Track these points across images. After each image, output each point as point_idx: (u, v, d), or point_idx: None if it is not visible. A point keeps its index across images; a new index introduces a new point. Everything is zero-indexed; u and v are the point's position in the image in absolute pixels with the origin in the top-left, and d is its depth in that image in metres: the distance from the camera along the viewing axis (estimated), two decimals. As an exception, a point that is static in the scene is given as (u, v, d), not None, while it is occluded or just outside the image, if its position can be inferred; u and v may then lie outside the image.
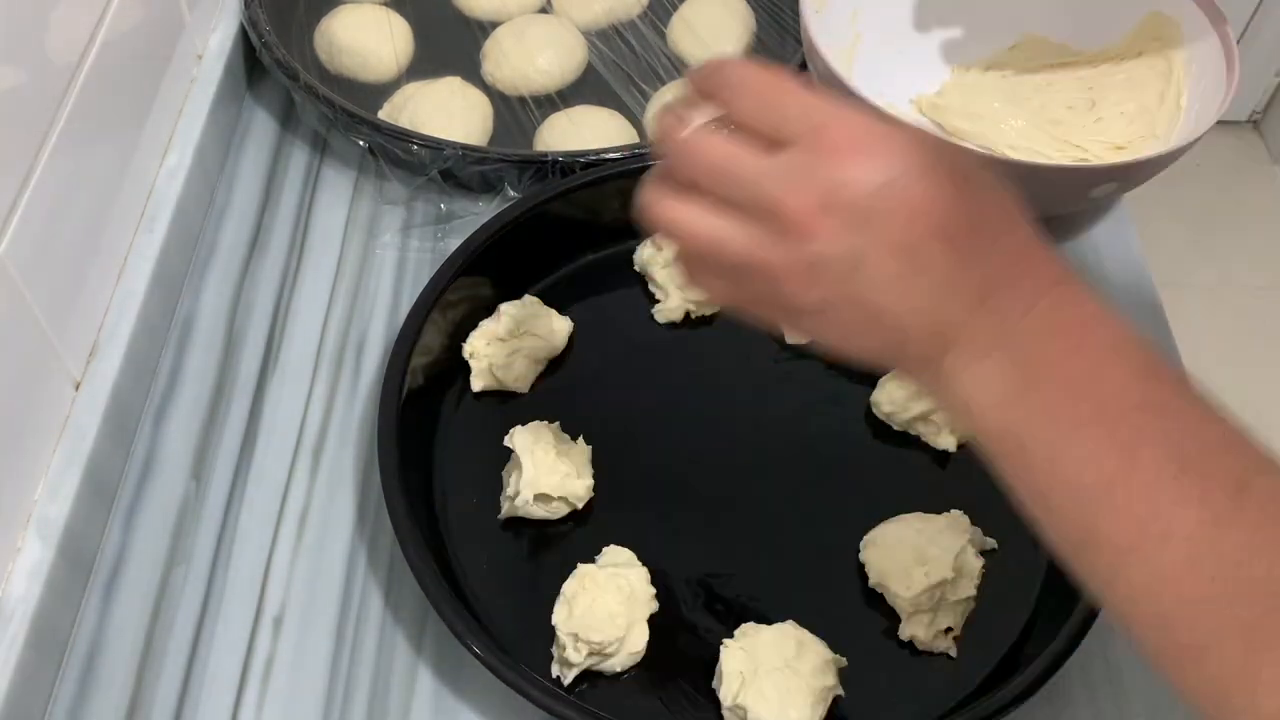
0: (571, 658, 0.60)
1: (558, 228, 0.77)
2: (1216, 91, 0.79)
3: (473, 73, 0.89)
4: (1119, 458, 0.41)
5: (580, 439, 0.68)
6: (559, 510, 0.67)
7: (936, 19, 0.88)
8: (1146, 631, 0.41)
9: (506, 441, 0.68)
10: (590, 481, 0.67)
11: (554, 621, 0.61)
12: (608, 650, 0.61)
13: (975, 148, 0.71)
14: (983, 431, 0.45)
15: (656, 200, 0.48)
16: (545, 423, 0.68)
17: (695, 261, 0.49)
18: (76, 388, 0.68)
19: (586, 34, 0.92)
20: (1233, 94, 0.78)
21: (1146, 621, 0.41)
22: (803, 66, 0.86)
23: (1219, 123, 0.77)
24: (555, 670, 0.62)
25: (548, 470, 0.66)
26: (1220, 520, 0.39)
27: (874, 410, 0.72)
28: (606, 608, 0.61)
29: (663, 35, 0.92)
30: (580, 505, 0.67)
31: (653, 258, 0.77)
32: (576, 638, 0.60)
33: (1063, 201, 0.78)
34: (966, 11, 0.89)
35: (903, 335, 0.45)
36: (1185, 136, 0.77)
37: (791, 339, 0.76)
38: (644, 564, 0.64)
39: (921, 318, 0.45)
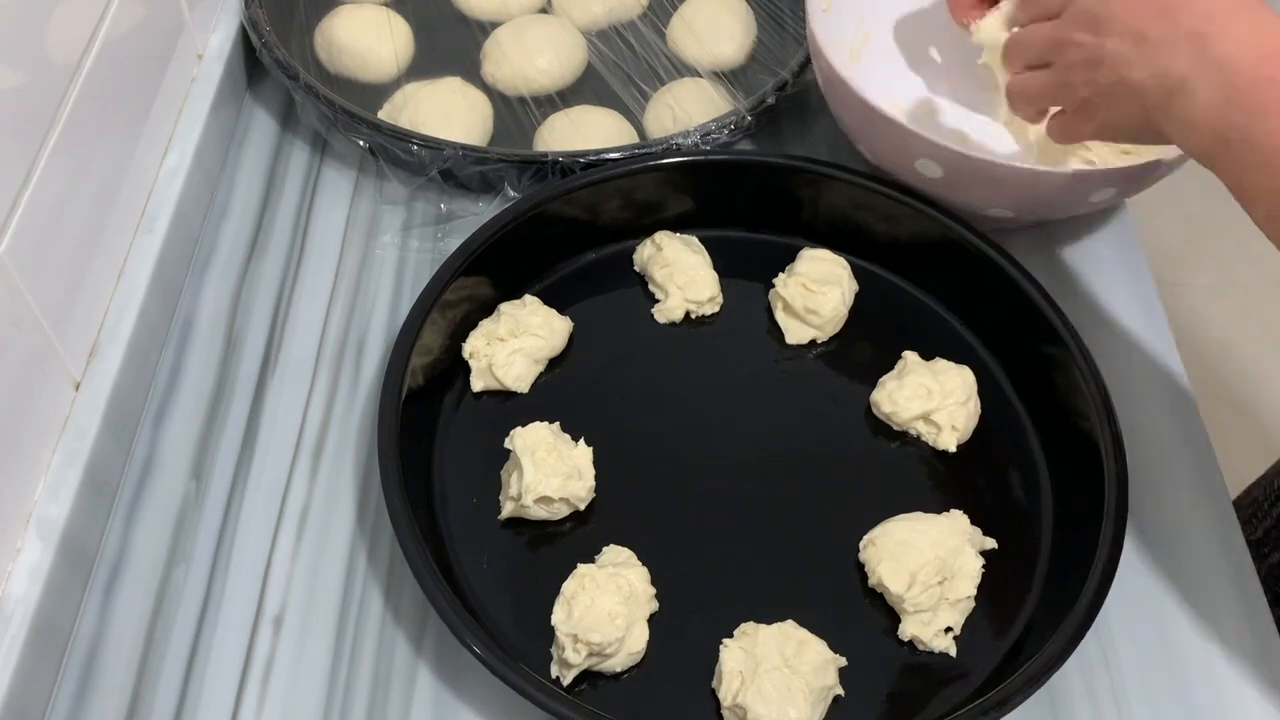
0: (571, 659, 0.60)
1: (558, 228, 0.77)
2: None
3: (473, 73, 0.89)
4: None
5: (581, 440, 0.68)
6: (560, 511, 0.67)
7: (944, 20, 0.88)
8: None
9: (507, 444, 0.68)
10: (592, 483, 0.67)
11: (553, 622, 0.61)
12: (607, 651, 0.61)
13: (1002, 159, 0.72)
14: (1202, 142, 0.57)
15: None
16: (545, 424, 0.68)
17: (1020, 52, 0.67)
18: (76, 388, 0.68)
19: (586, 34, 0.92)
20: None
21: None
22: (803, 67, 0.86)
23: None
24: (554, 671, 0.62)
25: (549, 472, 0.66)
26: None
27: (874, 410, 0.73)
28: (606, 608, 0.61)
29: (663, 35, 0.92)
30: (582, 507, 0.67)
31: (653, 257, 0.77)
32: (576, 639, 0.60)
33: (1062, 207, 0.79)
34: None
35: (1141, 90, 0.59)
36: None
37: (791, 339, 0.76)
38: (644, 563, 0.64)
39: (1149, 72, 0.58)
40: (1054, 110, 0.68)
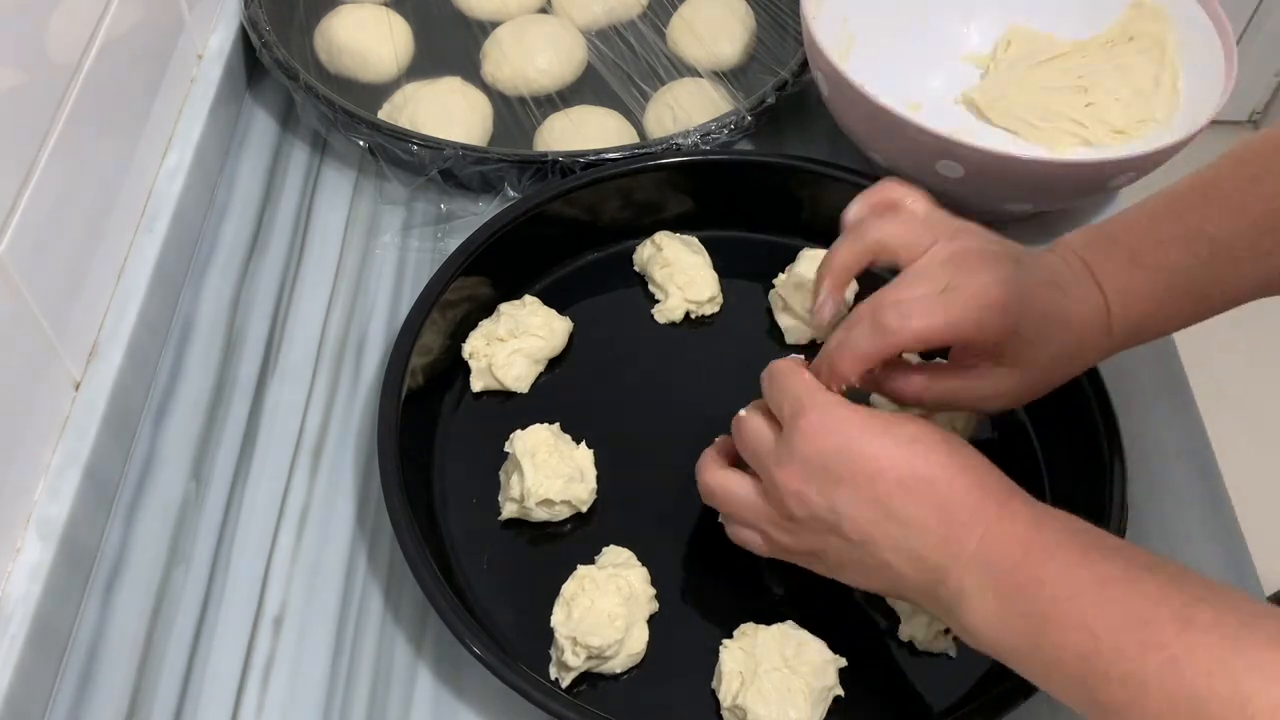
0: (570, 661, 0.60)
1: (558, 228, 0.77)
2: (1214, 71, 0.79)
3: (473, 73, 0.89)
4: (1082, 634, 0.48)
5: (583, 443, 0.68)
6: (562, 513, 0.67)
7: (926, 17, 0.88)
8: None
9: (507, 447, 0.68)
10: (594, 485, 0.67)
11: (553, 623, 0.61)
12: (606, 653, 0.61)
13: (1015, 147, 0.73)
14: (984, 646, 0.52)
15: (705, 467, 0.61)
16: (546, 425, 0.68)
17: (730, 516, 0.61)
18: (76, 388, 0.68)
19: (586, 34, 0.92)
20: (1235, 71, 0.78)
21: None
22: (803, 67, 0.86)
23: (1219, 123, 0.77)
24: (553, 673, 0.62)
25: (550, 474, 0.65)
26: (1177, 658, 0.45)
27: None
28: (605, 609, 0.61)
29: (663, 35, 0.92)
30: (584, 509, 0.67)
31: (653, 257, 0.77)
32: (575, 641, 0.60)
33: (1081, 195, 0.79)
34: (955, 8, 0.89)
35: (895, 573, 0.54)
36: (1190, 119, 0.77)
37: (791, 339, 0.76)
38: (643, 564, 0.64)
39: (904, 556, 0.54)
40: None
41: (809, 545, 0.57)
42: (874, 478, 0.54)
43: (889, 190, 0.64)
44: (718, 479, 0.60)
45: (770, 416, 0.58)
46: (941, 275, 0.59)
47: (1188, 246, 0.60)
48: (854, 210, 0.64)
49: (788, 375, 0.58)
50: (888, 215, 0.62)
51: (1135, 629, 0.46)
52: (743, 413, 0.60)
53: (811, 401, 0.56)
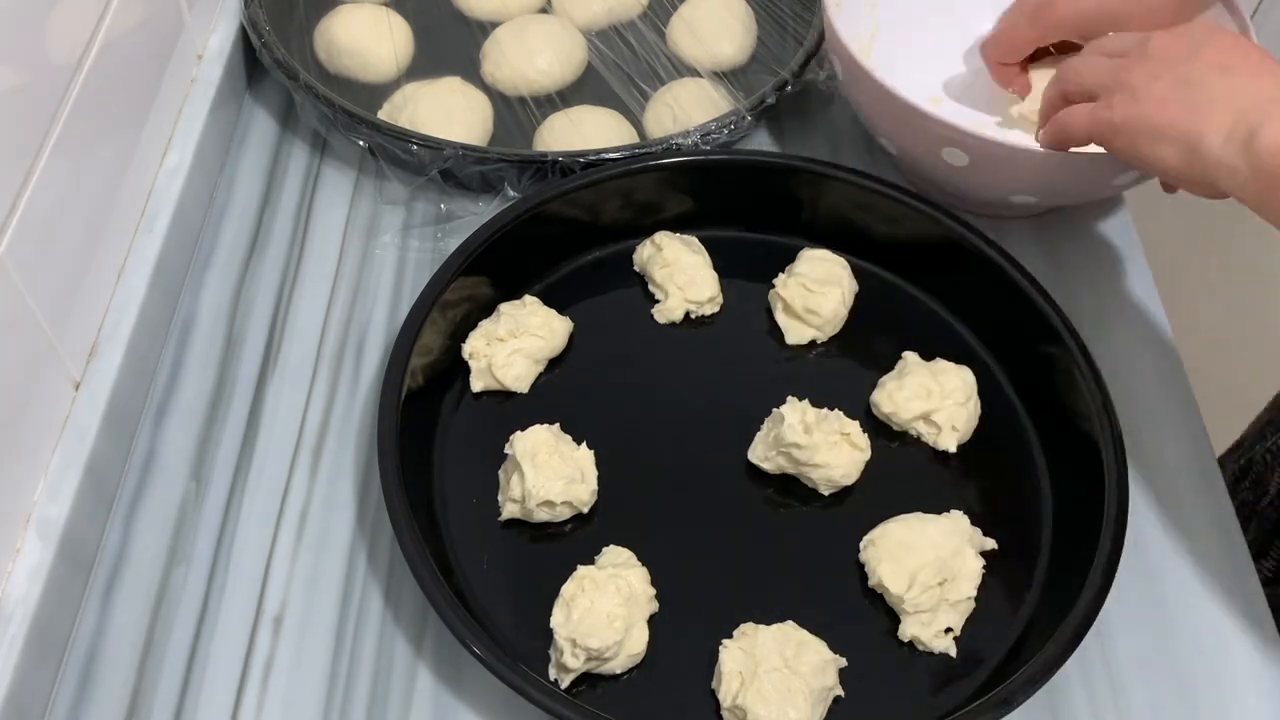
0: (569, 663, 0.60)
1: (558, 228, 0.77)
2: None
3: (473, 73, 0.89)
4: None
5: (583, 443, 0.68)
6: (563, 514, 0.67)
7: (952, 8, 0.88)
8: None
9: (507, 449, 0.68)
10: (594, 486, 0.67)
11: (552, 624, 0.61)
12: (606, 655, 0.60)
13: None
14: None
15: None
16: (546, 426, 0.68)
17: (1078, 81, 0.68)
18: (76, 388, 0.68)
19: (586, 34, 0.92)
20: None
21: None
22: (803, 68, 0.86)
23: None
24: (553, 674, 0.62)
25: (551, 476, 0.65)
26: None
27: (874, 410, 0.72)
28: (605, 610, 0.60)
29: (663, 35, 0.92)
30: (585, 510, 0.67)
31: (653, 257, 0.77)
32: (574, 643, 0.60)
33: (1086, 191, 0.79)
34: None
35: (1210, 113, 0.61)
36: None
37: (791, 339, 0.76)
38: (643, 564, 0.64)
39: (1235, 94, 0.60)
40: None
41: (1158, 72, 0.63)
42: (1233, 39, 0.63)
43: None
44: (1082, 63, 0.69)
45: None
46: None
47: None
48: None
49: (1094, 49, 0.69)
50: None
51: None
52: (1074, 60, 0.69)
53: (1136, 39, 0.66)
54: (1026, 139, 0.77)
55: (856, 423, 0.69)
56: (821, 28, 0.84)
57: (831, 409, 0.70)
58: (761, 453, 0.69)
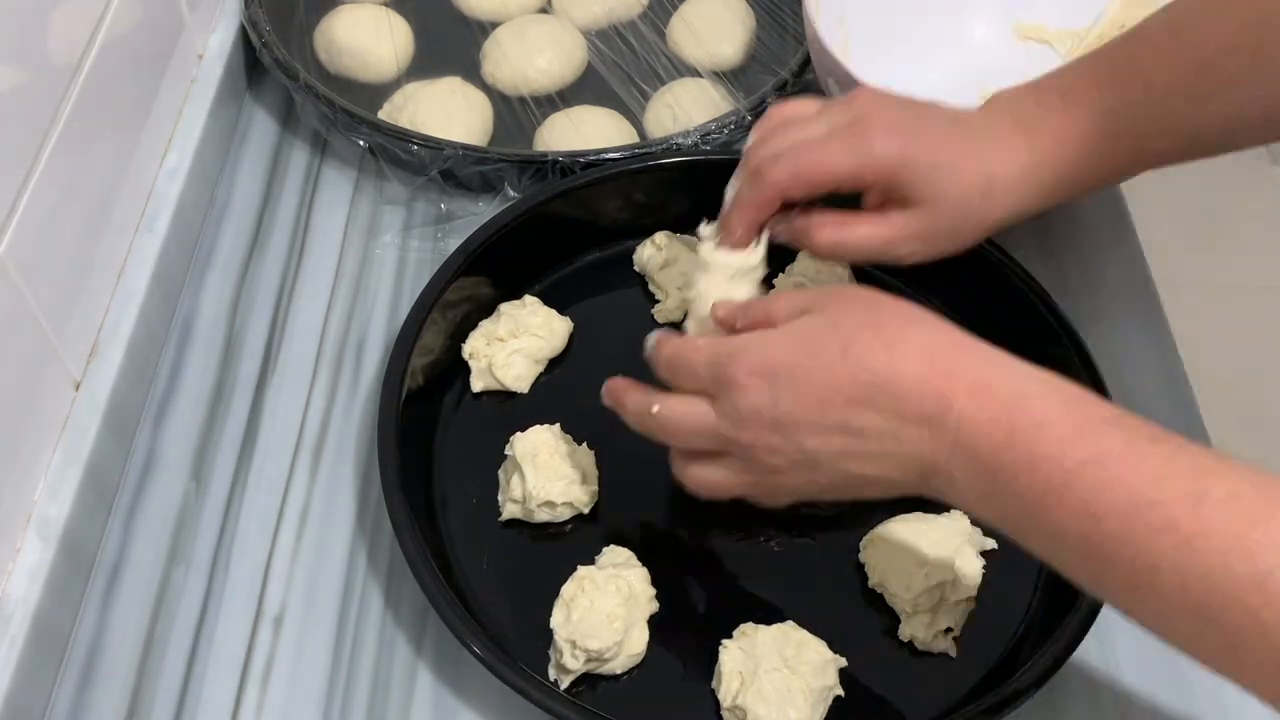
0: (569, 664, 0.60)
1: (558, 228, 0.77)
2: None
3: (473, 73, 0.89)
4: (1084, 519, 0.45)
5: (584, 444, 0.68)
6: (564, 514, 0.67)
7: (924, 15, 0.88)
8: (1194, 649, 0.44)
9: (507, 450, 0.68)
10: (595, 487, 0.67)
11: (552, 625, 0.61)
12: (605, 656, 0.60)
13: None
14: (986, 525, 0.51)
15: (680, 468, 0.59)
16: (546, 426, 0.68)
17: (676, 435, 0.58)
18: (76, 388, 0.68)
19: (586, 34, 0.92)
20: None
21: (1182, 639, 0.45)
22: (803, 68, 0.86)
23: (1219, 123, 0.77)
24: (552, 675, 0.62)
25: (552, 476, 0.65)
26: (1189, 538, 0.42)
27: (874, 410, 0.72)
28: (605, 610, 0.60)
29: (663, 35, 0.92)
30: (586, 510, 0.67)
31: (653, 257, 0.77)
32: (574, 644, 0.60)
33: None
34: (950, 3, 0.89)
35: (886, 480, 0.53)
36: None
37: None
38: (643, 564, 0.64)
39: (886, 464, 0.52)
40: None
41: (801, 490, 0.56)
42: (824, 405, 0.52)
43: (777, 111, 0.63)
44: (703, 472, 0.58)
45: (686, 397, 0.56)
46: (832, 118, 0.59)
47: (1123, 87, 0.60)
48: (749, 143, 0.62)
49: (686, 348, 0.57)
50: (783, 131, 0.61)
51: (1141, 510, 0.44)
52: (655, 408, 0.57)
53: (729, 356, 0.54)
54: None
55: None
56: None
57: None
58: None
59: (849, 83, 0.76)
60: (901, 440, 0.51)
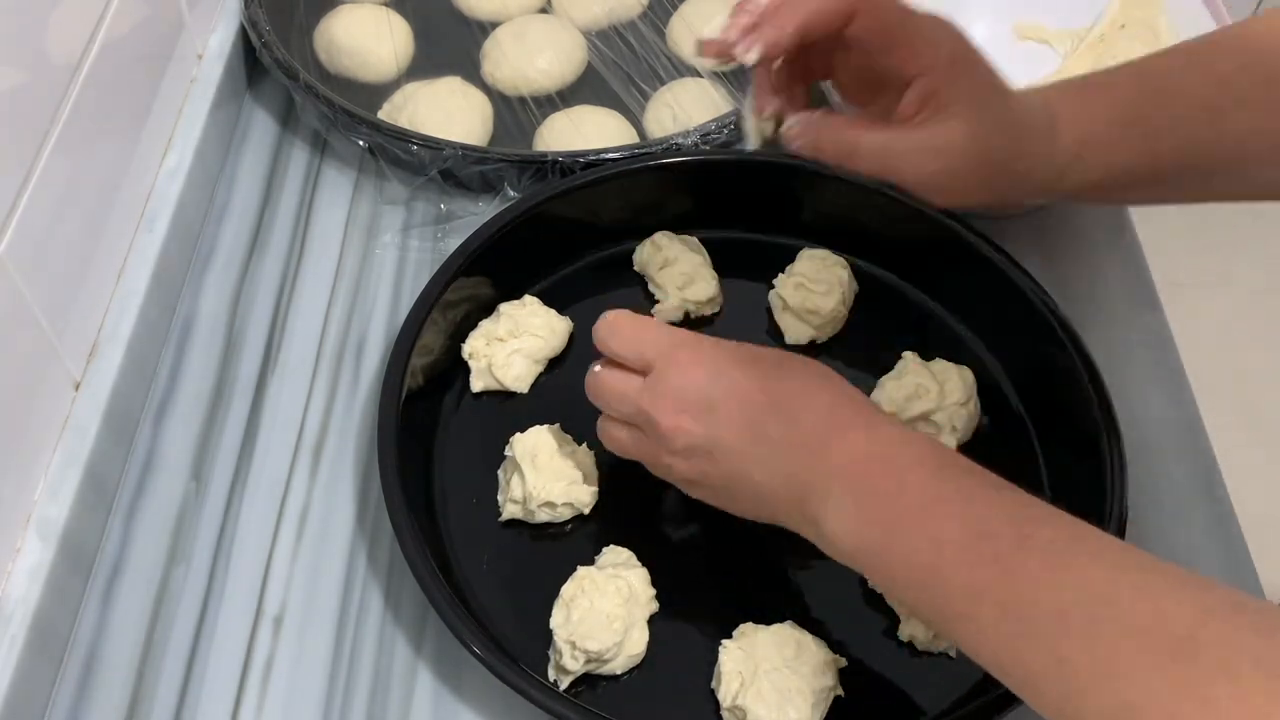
0: (568, 665, 0.60)
1: (558, 228, 0.77)
2: None
3: (473, 73, 0.89)
4: (931, 546, 0.50)
5: (584, 444, 0.68)
6: (564, 515, 0.67)
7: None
8: (1005, 677, 0.49)
9: (507, 451, 0.68)
10: (596, 487, 0.67)
11: (552, 626, 0.61)
12: (605, 657, 0.60)
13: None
14: (845, 556, 0.54)
15: (600, 421, 0.63)
16: (546, 427, 0.68)
17: (601, 399, 0.62)
18: (76, 388, 0.68)
19: (586, 34, 0.92)
20: None
21: (996, 668, 0.49)
22: (803, 66, 0.86)
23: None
24: (552, 675, 0.62)
25: (552, 477, 0.65)
26: (1010, 569, 0.48)
27: (874, 410, 0.72)
28: (605, 610, 0.60)
29: (663, 35, 0.92)
30: (586, 511, 0.67)
31: (652, 257, 0.77)
32: (573, 645, 0.60)
33: None
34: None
35: (769, 493, 0.57)
36: None
37: (791, 339, 0.76)
38: (643, 564, 0.64)
39: (775, 475, 0.56)
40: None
41: (689, 474, 0.59)
42: (745, 401, 0.56)
43: None
44: (610, 430, 0.62)
45: (624, 368, 0.60)
46: None
47: (1140, 88, 0.63)
48: None
49: (641, 324, 0.61)
50: None
51: (977, 542, 0.49)
52: (596, 367, 0.61)
53: (677, 339, 0.59)
54: None
55: None
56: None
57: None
58: None
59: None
60: (795, 456, 0.55)
